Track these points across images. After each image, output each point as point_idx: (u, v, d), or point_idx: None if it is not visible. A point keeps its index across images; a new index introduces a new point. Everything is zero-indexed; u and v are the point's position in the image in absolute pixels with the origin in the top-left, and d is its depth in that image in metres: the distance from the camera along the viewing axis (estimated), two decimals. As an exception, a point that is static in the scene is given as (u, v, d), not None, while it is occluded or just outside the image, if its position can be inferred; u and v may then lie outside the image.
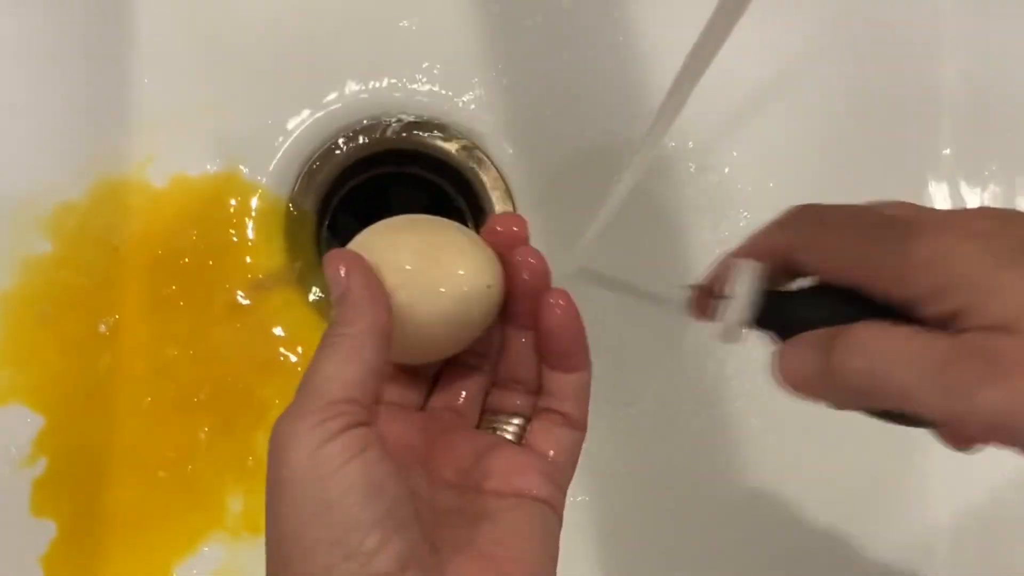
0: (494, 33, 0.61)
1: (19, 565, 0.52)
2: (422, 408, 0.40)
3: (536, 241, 0.60)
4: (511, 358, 0.39)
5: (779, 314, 0.35)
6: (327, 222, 0.62)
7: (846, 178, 0.61)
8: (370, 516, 0.30)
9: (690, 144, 0.61)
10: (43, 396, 0.54)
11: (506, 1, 0.62)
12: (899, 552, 0.58)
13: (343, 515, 0.30)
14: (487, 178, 0.61)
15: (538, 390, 0.39)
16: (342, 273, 0.34)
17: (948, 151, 0.61)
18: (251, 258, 0.57)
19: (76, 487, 0.53)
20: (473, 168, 0.61)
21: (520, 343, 0.39)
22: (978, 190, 0.61)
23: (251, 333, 0.56)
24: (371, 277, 0.35)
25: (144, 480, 0.53)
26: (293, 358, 0.56)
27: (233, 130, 0.59)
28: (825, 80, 0.62)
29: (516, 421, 0.39)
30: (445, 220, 0.39)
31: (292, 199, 0.59)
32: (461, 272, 0.36)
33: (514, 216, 0.39)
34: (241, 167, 0.58)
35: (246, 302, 0.56)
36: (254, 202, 0.58)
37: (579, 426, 0.39)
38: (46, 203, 0.56)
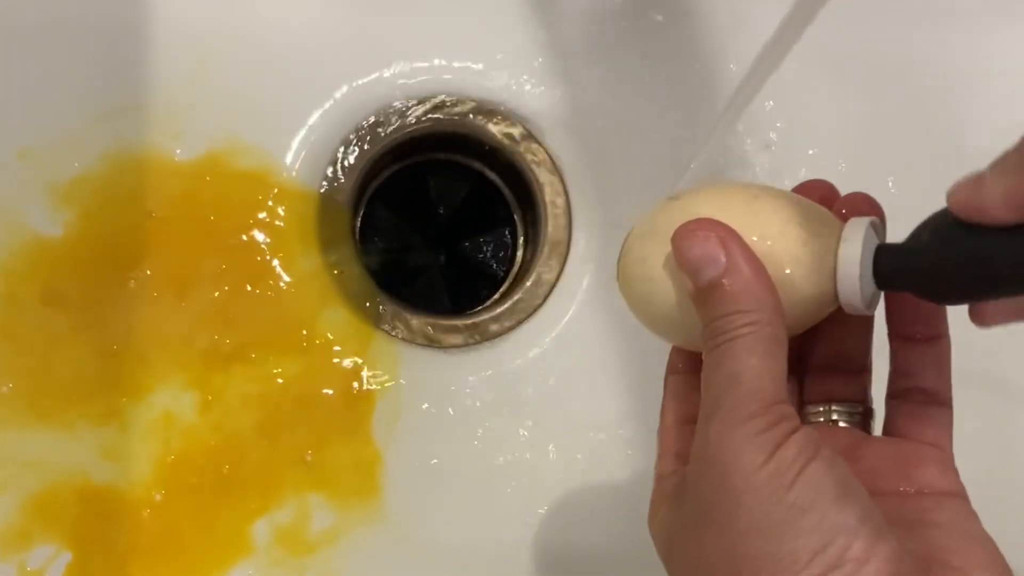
0: (547, 9, 0.57)
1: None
2: None
3: (592, 234, 0.58)
4: (837, 333, 0.35)
5: (910, 267, 0.30)
6: (362, 211, 0.59)
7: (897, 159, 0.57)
8: (850, 519, 0.27)
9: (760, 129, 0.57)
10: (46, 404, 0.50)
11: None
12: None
13: (821, 519, 0.27)
14: (539, 167, 0.57)
15: (864, 369, 0.35)
16: (719, 248, 0.30)
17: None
18: (279, 251, 0.53)
19: (87, 501, 0.50)
20: (523, 155, 0.57)
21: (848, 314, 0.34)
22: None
23: (288, 323, 0.53)
24: (750, 250, 0.30)
25: (173, 488, 0.50)
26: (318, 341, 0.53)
27: (260, 107, 0.55)
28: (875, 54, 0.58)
29: (859, 409, 0.35)
30: (765, 185, 0.34)
31: (325, 186, 0.55)
32: (833, 240, 0.31)
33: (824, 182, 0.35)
34: (267, 147, 0.54)
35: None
36: (281, 187, 0.54)
37: (946, 403, 0.34)
38: (61, 177, 0.52)
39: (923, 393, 0.34)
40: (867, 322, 0.35)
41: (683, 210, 0.32)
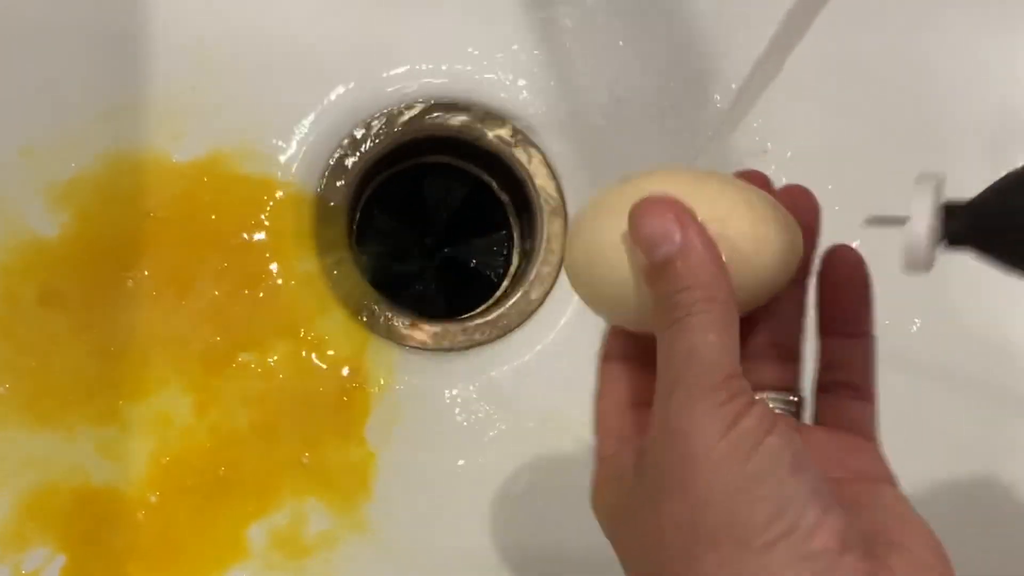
0: (544, 11, 0.58)
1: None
2: None
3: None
4: (770, 321, 0.35)
5: (979, 222, 0.31)
6: (359, 214, 0.59)
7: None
8: (804, 490, 0.29)
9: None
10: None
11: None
12: None
13: (776, 488, 0.28)
14: (535, 170, 0.57)
15: (794, 358, 0.36)
16: (675, 225, 0.30)
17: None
18: (276, 253, 0.53)
19: (83, 502, 0.50)
20: (519, 158, 0.57)
21: (788, 303, 0.35)
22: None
23: (284, 325, 0.53)
24: (704, 229, 0.31)
25: (169, 490, 0.50)
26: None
27: (258, 109, 0.55)
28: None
29: (792, 398, 0.36)
30: (714, 171, 0.34)
31: (320, 188, 0.55)
32: (778, 225, 0.32)
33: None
34: (265, 149, 0.54)
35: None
36: (278, 189, 0.54)
37: (871, 398, 0.35)
38: (60, 177, 0.52)
39: (850, 387, 0.35)
40: (799, 310, 0.36)
41: (634, 190, 0.32)
